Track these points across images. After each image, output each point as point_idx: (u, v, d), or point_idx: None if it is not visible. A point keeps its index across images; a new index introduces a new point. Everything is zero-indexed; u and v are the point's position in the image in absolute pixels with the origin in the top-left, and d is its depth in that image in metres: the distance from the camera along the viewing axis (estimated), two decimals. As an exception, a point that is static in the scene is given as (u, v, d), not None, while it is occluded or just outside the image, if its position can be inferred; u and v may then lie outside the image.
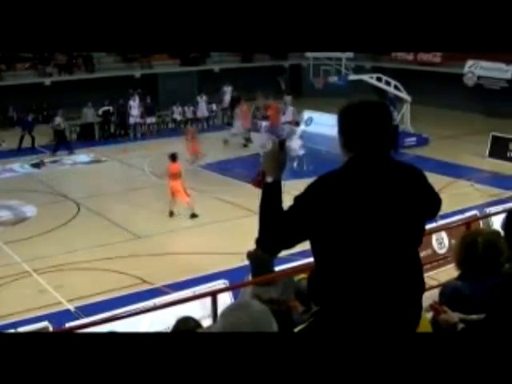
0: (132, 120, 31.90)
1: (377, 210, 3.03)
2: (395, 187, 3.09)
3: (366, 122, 3.12)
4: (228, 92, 34.36)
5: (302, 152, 25.17)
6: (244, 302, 2.65)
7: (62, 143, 28.65)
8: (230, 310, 2.68)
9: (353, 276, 3.13)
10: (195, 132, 26.75)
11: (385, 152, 3.14)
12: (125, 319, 9.53)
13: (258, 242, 3.23)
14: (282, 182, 3.45)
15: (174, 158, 20.15)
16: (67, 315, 12.90)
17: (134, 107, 31.76)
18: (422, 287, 3.23)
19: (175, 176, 19.91)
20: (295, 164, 24.65)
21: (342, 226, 3.03)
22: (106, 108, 31.79)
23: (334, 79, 31.02)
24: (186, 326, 4.88)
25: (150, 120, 32.79)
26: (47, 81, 35.16)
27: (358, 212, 3.01)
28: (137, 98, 32.19)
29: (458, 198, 18.61)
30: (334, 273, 3.16)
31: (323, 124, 29.90)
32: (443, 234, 14.64)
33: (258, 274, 11.47)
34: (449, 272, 7.14)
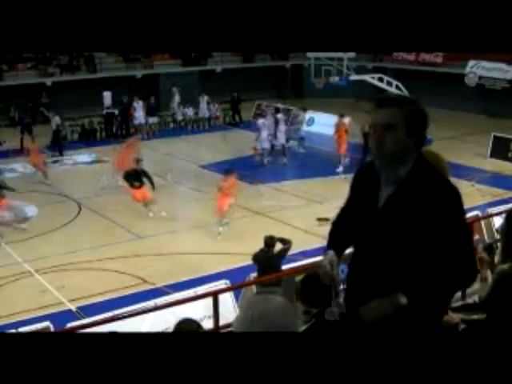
0: (136, 121, 32.18)
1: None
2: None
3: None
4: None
5: (267, 146, 26.27)
6: (269, 296, 2.64)
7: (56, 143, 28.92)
8: (255, 302, 2.67)
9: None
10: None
11: None
12: (126, 319, 9.53)
13: None
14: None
15: None
16: (69, 315, 12.92)
17: (139, 109, 31.97)
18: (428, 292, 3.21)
19: None
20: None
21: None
22: (110, 110, 32.02)
23: (335, 79, 31.10)
24: (187, 327, 4.88)
25: (152, 120, 32.91)
26: (48, 81, 35.19)
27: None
28: (140, 101, 32.44)
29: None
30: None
31: (324, 124, 29.97)
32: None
33: (264, 274, 11.56)
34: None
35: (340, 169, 23.69)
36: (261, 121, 26.98)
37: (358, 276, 3.30)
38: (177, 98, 34.80)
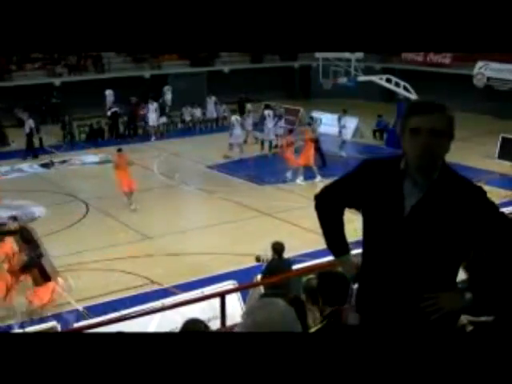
0: (151, 122, 32.23)
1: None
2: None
3: None
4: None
5: (240, 140, 27.59)
6: (271, 301, 2.65)
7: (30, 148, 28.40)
8: (257, 307, 2.67)
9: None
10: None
11: None
12: (133, 319, 9.54)
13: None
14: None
15: None
16: (75, 315, 12.94)
17: (152, 110, 31.99)
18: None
19: None
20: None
21: None
22: (113, 109, 32.02)
23: (343, 80, 31.02)
24: (194, 327, 4.88)
25: (162, 120, 32.94)
26: (57, 81, 35.27)
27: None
28: (155, 102, 32.53)
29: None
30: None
31: (332, 125, 29.94)
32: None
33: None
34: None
35: (300, 178, 22.93)
36: (233, 117, 27.77)
37: (381, 279, 3.21)
38: (169, 97, 34.92)
